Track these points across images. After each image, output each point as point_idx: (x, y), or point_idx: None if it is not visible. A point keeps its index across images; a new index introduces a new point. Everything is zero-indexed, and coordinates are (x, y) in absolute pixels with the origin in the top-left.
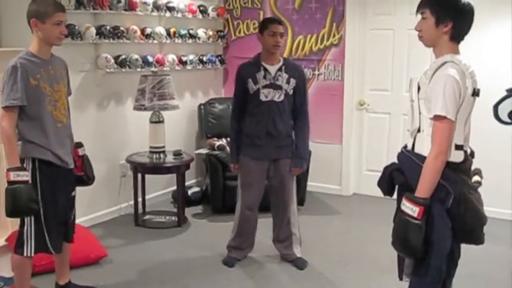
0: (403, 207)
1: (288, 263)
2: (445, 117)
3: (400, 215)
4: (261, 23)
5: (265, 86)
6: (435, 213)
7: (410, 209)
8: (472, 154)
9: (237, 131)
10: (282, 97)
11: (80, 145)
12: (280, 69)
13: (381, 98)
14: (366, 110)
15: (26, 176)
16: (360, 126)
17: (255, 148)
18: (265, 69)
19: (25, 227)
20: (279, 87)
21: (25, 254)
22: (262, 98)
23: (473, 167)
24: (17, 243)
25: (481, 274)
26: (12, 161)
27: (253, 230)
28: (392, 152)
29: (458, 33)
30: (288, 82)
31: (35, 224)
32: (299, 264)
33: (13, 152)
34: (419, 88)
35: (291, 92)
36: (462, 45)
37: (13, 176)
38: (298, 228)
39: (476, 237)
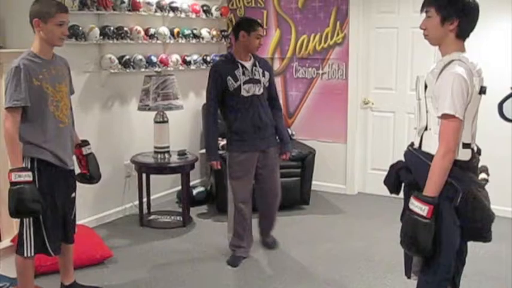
0: (411, 207)
1: (292, 261)
2: (453, 116)
3: (408, 214)
4: (247, 24)
5: (245, 82)
6: (444, 212)
7: (419, 208)
8: (479, 151)
9: (215, 129)
10: (262, 90)
11: (84, 144)
12: (255, 65)
13: (385, 97)
14: (371, 109)
15: (28, 176)
16: (364, 125)
17: (244, 142)
18: (243, 66)
19: (24, 228)
20: (258, 81)
21: (25, 255)
22: (244, 93)
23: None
24: (17, 244)
25: (482, 272)
26: (14, 162)
27: (250, 224)
28: (397, 150)
29: (465, 30)
30: (263, 75)
31: (34, 225)
32: (273, 245)
33: (15, 152)
34: (426, 86)
35: (267, 84)
36: (467, 45)
37: (14, 176)
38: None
39: (485, 235)
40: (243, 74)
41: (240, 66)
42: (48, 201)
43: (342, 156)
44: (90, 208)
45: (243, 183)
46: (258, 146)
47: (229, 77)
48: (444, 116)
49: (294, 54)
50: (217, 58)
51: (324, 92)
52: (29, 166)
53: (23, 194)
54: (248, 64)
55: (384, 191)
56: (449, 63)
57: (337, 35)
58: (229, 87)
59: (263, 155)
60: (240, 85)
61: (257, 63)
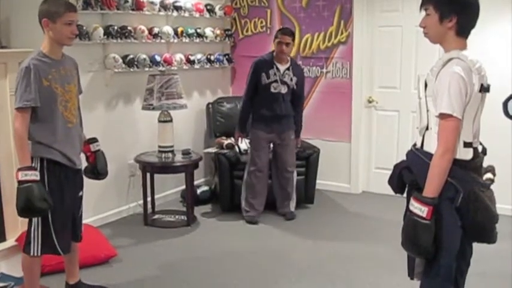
0: (411, 208)
1: (296, 260)
2: (450, 116)
3: (408, 216)
4: (277, 31)
5: (275, 81)
6: (444, 212)
7: (419, 209)
8: (484, 151)
9: (249, 109)
10: (287, 90)
11: (92, 141)
12: (288, 69)
13: (390, 96)
14: (375, 108)
15: (34, 175)
16: (368, 124)
17: (266, 125)
18: (277, 68)
19: (32, 227)
20: (285, 83)
21: (32, 254)
22: (272, 90)
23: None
24: (25, 242)
25: (484, 270)
26: (22, 161)
27: (263, 189)
28: (402, 149)
29: (464, 27)
30: (291, 79)
31: (42, 224)
32: (289, 216)
33: (24, 152)
34: (426, 85)
35: (294, 87)
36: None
37: (21, 175)
38: (293, 188)
39: (488, 236)
40: (275, 74)
41: (274, 67)
42: (57, 200)
43: (346, 155)
44: (94, 207)
45: (261, 155)
46: (274, 129)
47: (263, 74)
48: (442, 116)
49: (298, 53)
50: (221, 57)
51: (328, 90)
52: (39, 166)
53: (31, 193)
54: (282, 67)
55: (388, 190)
56: (448, 61)
57: (341, 33)
58: (261, 81)
59: (279, 135)
60: (270, 82)
61: (291, 68)
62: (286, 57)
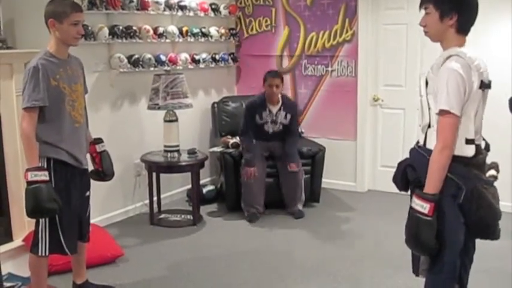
0: (413, 205)
1: (302, 259)
2: (448, 112)
3: (411, 213)
4: (266, 74)
5: (268, 122)
6: (447, 209)
7: (421, 206)
8: (487, 147)
9: (251, 144)
10: (281, 128)
11: (98, 141)
12: (280, 109)
13: (395, 94)
14: (380, 106)
15: (44, 175)
16: (374, 122)
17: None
18: (269, 110)
19: (40, 227)
20: (279, 122)
21: (40, 254)
22: (266, 128)
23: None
24: (32, 242)
25: (485, 268)
26: (31, 161)
27: (260, 188)
28: (407, 147)
29: (464, 25)
30: (285, 118)
31: (50, 224)
32: (297, 215)
33: (32, 152)
34: (427, 83)
35: (287, 123)
36: (467, 41)
37: (31, 176)
38: (301, 187)
39: (491, 232)
40: (268, 116)
41: (267, 109)
42: (64, 200)
43: (351, 153)
44: (100, 207)
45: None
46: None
47: (257, 115)
48: (441, 112)
49: (303, 51)
50: (226, 56)
51: (333, 89)
52: (46, 166)
53: (40, 194)
54: (274, 108)
55: (394, 188)
56: (447, 58)
57: (346, 32)
58: (257, 122)
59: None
60: (265, 122)
61: (282, 108)
62: (277, 98)
